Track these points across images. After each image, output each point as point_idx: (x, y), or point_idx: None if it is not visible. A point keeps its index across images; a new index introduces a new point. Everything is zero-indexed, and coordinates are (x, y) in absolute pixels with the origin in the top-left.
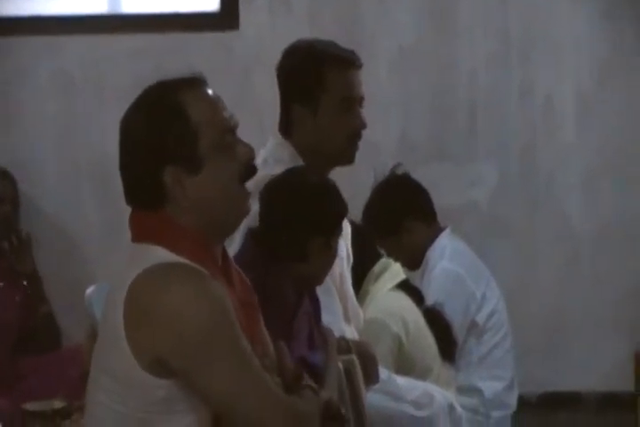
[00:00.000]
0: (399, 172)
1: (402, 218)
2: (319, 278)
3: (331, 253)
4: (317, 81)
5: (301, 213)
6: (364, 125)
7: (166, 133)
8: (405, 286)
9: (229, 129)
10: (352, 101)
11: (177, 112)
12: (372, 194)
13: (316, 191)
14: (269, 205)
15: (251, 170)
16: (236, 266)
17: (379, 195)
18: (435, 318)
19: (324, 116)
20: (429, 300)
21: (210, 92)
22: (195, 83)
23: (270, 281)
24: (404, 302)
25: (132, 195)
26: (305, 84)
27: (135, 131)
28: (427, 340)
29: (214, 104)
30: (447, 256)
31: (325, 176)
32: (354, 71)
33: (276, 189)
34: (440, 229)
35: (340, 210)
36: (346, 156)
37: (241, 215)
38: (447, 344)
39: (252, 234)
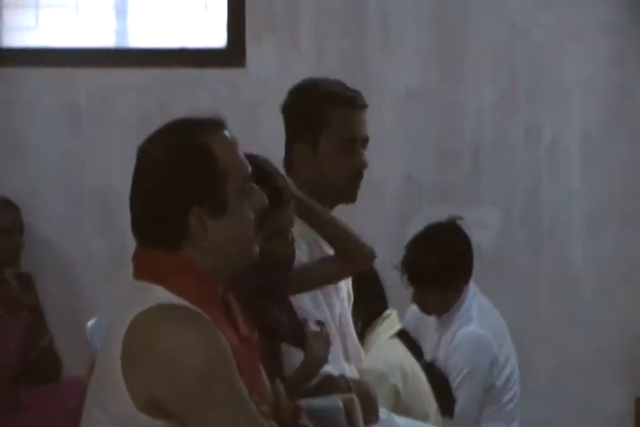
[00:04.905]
0: (455, 224)
1: (457, 278)
2: None
3: None
4: (319, 120)
5: None
6: (364, 165)
7: (197, 174)
8: (403, 336)
9: (249, 175)
10: (353, 141)
11: (207, 154)
12: (430, 243)
13: None
14: None
15: (263, 217)
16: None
17: (441, 247)
18: (434, 374)
19: (324, 155)
20: (452, 362)
21: (232, 135)
22: (218, 125)
23: None
24: (402, 351)
25: (147, 232)
26: (307, 123)
27: (161, 169)
28: (424, 388)
29: (237, 148)
30: (476, 319)
31: None
32: (357, 111)
33: None
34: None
35: None
36: (347, 194)
37: (251, 260)
38: (446, 400)
39: None
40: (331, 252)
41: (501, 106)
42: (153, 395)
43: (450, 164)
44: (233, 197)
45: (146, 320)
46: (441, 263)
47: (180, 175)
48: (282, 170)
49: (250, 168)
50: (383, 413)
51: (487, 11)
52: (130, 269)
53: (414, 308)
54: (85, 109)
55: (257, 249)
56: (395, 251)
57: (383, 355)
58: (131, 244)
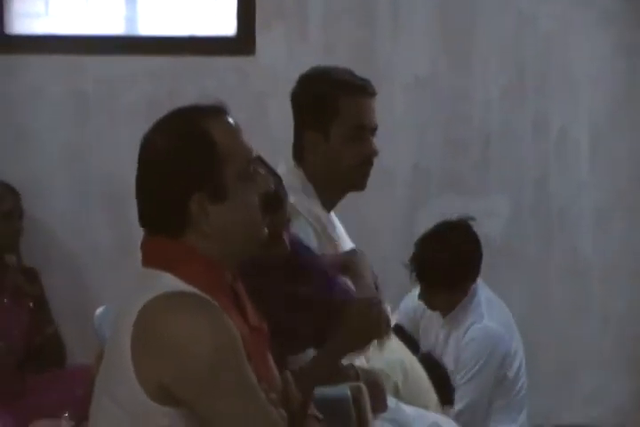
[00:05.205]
0: (466, 223)
1: (466, 278)
2: None
3: None
4: (330, 108)
5: None
6: (375, 153)
7: (195, 161)
8: (398, 331)
9: (252, 159)
10: (364, 129)
11: (205, 140)
12: (440, 241)
13: None
14: None
15: (269, 200)
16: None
17: (451, 245)
18: (431, 365)
19: (335, 143)
20: (463, 357)
21: (233, 121)
22: (219, 111)
23: None
24: (400, 347)
25: (152, 220)
26: (318, 111)
27: (162, 157)
28: (423, 383)
29: (239, 133)
30: (486, 314)
31: None
32: (367, 99)
33: None
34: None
35: None
36: (356, 182)
37: (258, 244)
38: (445, 390)
39: None
40: (337, 241)
41: (509, 95)
42: (162, 382)
43: (458, 152)
44: (233, 181)
45: (155, 308)
46: (451, 261)
47: (180, 162)
48: (288, 159)
49: (254, 153)
50: (391, 401)
51: (495, 1)
52: (136, 257)
53: (409, 299)
54: (93, 97)
55: (264, 232)
56: (403, 238)
57: (383, 353)
58: (137, 232)
